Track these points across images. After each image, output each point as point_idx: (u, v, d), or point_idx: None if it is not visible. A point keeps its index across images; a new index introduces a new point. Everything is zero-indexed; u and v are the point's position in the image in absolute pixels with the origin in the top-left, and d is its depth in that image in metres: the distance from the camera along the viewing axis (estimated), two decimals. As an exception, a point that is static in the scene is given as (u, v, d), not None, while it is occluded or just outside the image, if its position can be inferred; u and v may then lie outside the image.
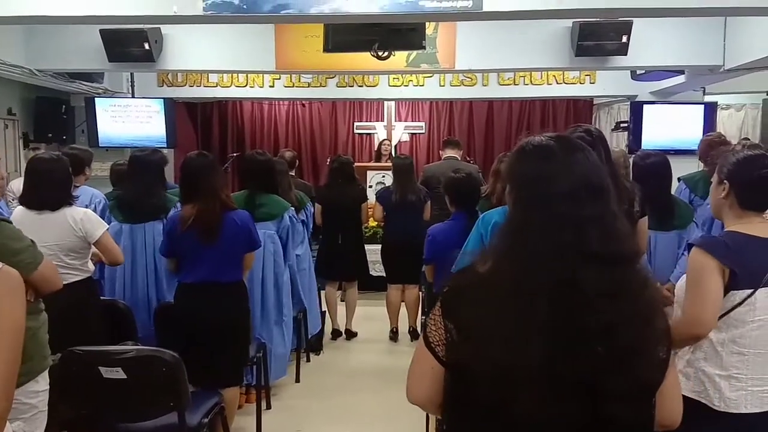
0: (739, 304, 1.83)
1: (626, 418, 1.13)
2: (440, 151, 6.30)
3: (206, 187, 2.92)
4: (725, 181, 1.95)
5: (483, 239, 2.34)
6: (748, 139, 5.47)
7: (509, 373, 1.09)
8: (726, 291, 1.83)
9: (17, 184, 3.74)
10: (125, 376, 2.42)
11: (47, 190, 2.92)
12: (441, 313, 1.21)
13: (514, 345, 1.09)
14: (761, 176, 1.90)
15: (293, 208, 3.99)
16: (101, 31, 5.06)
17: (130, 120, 6.52)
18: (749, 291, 1.82)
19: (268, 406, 3.86)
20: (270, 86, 7.21)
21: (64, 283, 2.68)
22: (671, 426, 1.29)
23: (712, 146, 3.93)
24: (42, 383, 2.21)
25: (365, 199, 5.35)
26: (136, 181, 3.60)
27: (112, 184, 4.35)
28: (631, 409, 1.13)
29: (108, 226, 3.13)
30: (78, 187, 3.59)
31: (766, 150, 2.04)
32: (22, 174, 4.36)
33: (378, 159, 7.94)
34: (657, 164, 3.27)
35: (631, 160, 4.20)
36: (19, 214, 2.98)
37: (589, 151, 1.22)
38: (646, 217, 2.65)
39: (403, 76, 6.96)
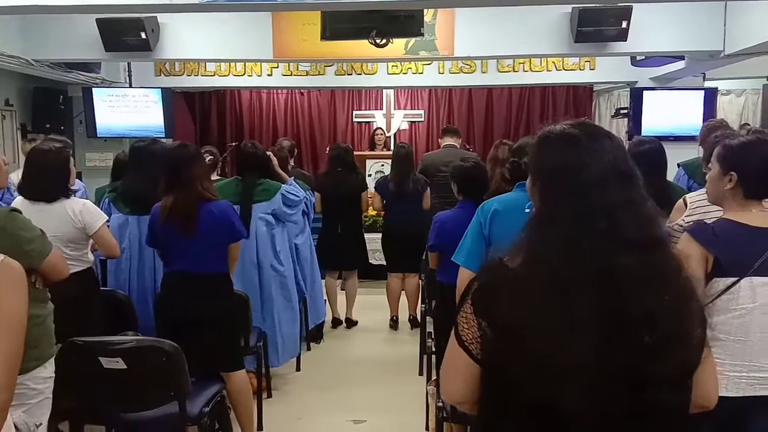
0: (723, 291, 1.84)
1: (670, 403, 1.12)
2: (439, 139, 6.28)
3: (184, 178, 2.89)
4: (732, 172, 1.92)
5: (482, 228, 2.33)
6: (749, 125, 5.46)
7: (554, 369, 1.07)
8: (710, 278, 1.85)
9: (15, 177, 3.73)
10: (125, 366, 2.43)
11: (43, 182, 2.92)
12: (473, 311, 1.17)
13: (558, 340, 1.07)
14: None
15: (288, 186, 3.97)
16: (97, 21, 5.02)
17: (128, 110, 6.50)
18: (733, 279, 1.83)
19: (269, 395, 3.88)
20: (268, 75, 7.16)
21: (64, 274, 2.70)
22: (707, 407, 1.27)
23: (712, 131, 3.92)
24: (50, 369, 2.25)
25: (365, 187, 5.35)
26: (138, 172, 3.55)
27: (114, 176, 4.32)
28: (674, 393, 1.13)
29: (107, 218, 3.12)
30: None
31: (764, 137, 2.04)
32: (21, 165, 4.36)
33: (372, 147, 7.91)
34: (651, 151, 3.25)
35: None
36: (18, 204, 2.97)
37: (613, 136, 1.20)
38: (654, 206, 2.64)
39: (402, 63, 6.92)
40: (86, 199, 3.65)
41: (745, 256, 1.83)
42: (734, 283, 1.83)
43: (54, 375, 2.29)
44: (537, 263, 1.13)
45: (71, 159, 3.05)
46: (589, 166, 1.14)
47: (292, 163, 5.24)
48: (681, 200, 2.58)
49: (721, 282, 1.84)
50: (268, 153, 4.10)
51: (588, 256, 1.10)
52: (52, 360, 2.28)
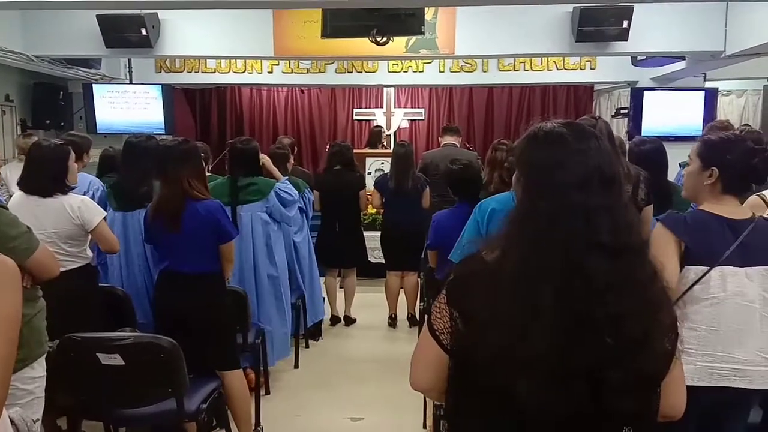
0: (696, 282, 1.89)
1: (628, 409, 1.12)
2: (439, 138, 6.28)
3: (170, 174, 2.87)
4: (714, 167, 1.96)
5: (480, 227, 2.33)
6: (749, 125, 5.45)
7: (513, 360, 1.08)
8: (682, 266, 1.90)
9: (5, 171, 3.72)
10: (123, 363, 2.43)
11: (40, 176, 2.91)
12: (446, 301, 1.20)
13: (516, 331, 1.09)
14: (753, 165, 1.93)
15: (282, 184, 3.95)
16: (98, 17, 5.02)
17: (128, 106, 6.50)
18: (705, 269, 1.88)
19: (267, 392, 3.88)
20: (269, 72, 7.17)
21: (64, 270, 2.68)
22: (674, 417, 1.28)
23: (713, 130, 3.92)
24: (38, 369, 2.22)
25: (364, 185, 5.34)
26: (131, 168, 3.55)
27: (100, 171, 4.32)
28: (633, 400, 1.13)
29: (105, 213, 3.11)
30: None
31: (760, 136, 2.06)
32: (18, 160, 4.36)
33: (374, 146, 7.91)
34: (652, 150, 3.26)
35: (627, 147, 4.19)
36: (17, 199, 2.98)
37: (601, 138, 1.19)
38: (651, 206, 2.64)
39: (403, 62, 6.92)
40: (104, 202, 3.64)
41: (715, 245, 1.89)
42: (705, 273, 1.88)
43: (45, 374, 2.26)
44: (508, 256, 1.14)
45: (72, 155, 3.04)
46: (571, 166, 1.14)
47: (292, 161, 5.23)
48: (757, 197, 2.50)
49: (692, 271, 1.90)
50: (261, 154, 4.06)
51: (558, 254, 1.10)
52: (42, 359, 2.24)
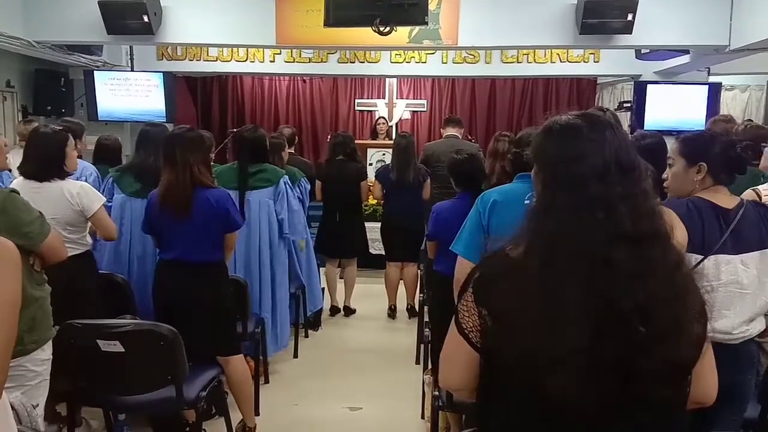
0: (692, 269, 1.89)
1: (660, 396, 1.12)
2: (441, 129, 6.26)
3: (180, 160, 2.84)
4: (701, 162, 2.01)
5: (481, 218, 2.33)
6: (752, 120, 5.44)
7: (545, 358, 1.08)
8: None
9: (8, 157, 3.71)
10: (123, 350, 2.44)
11: (38, 163, 2.91)
12: (474, 299, 1.19)
13: (544, 327, 1.08)
14: (737, 155, 2.00)
15: (287, 176, 3.96)
16: (100, 3, 4.99)
17: (129, 94, 6.47)
18: (699, 257, 1.92)
19: (266, 381, 3.90)
20: (270, 61, 7.15)
21: (62, 257, 2.69)
22: (705, 403, 1.28)
23: (716, 124, 3.91)
24: (48, 351, 2.27)
25: (365, 176, 5.34)
26: (149, 150, 3.49)
27: (96, 159, 4.30)
28: (665, 387, 1.12)
29: (105, 199, 3.10)
30: None
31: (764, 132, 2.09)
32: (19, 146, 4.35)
33: (374, 137, 7.90)
34: (653, 145, 3.25)
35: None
36: (17, 184, 2.97)
37: (617, 128, 1.19)
38: (657, 200, 2.64)
39: (405, 52, 6.89)
40: (98, 185, 3.62)
41: (708, 234, 1.93)
42: (699, 262, 1.91)
43: (51, 357, 2.30)
44: (533, 253, 1.13)
45: (70, 142, 3.03)
46: (589, 157, 1.14)
47: (291, 150, 5.21)
48: (752, 191, 2.58)
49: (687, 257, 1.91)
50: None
51: (582, 247, 1.10)
52: (50, 342, 2.29)
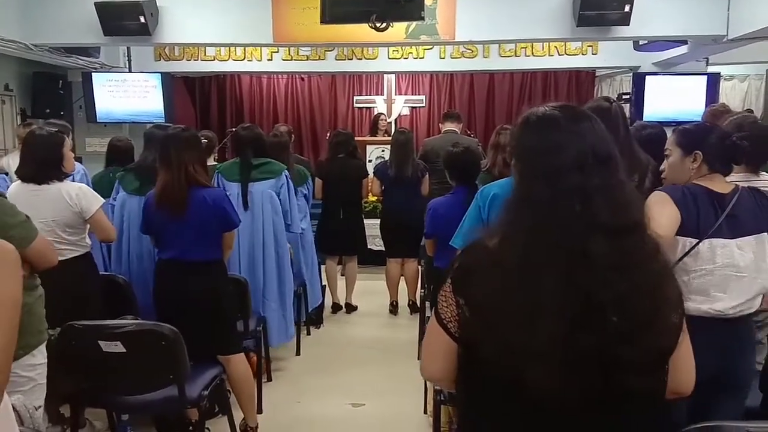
0: (686, 254, 1.96)
1: (639, 387, 1.12)
2: (440, 125, 6.26)
3: (175, 160, 2.85)
4: (697, 151, 2.04)
5: (481, 212, 2.33)
6: (751, 110, 5.43)
7: (523, 349, 1.08)
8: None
9: (7, 161, 3.73)
10: (125, 350, 2.44)
11: (36, 164, 2.91)
12: (452, 290, 1.20)
13: (522, 320, 1.09)
14: (732, 143, 2.03)
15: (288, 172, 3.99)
16: (96, 5, 4.99)
17: (127, 95, 6.48)
18: (694, 241, 1.96)
19: (269, 378, 3.91)
20: (268, 60, 7.14)
21: (64, 258, 2.70)
22: (683, 393, 1.29)
23: (716, 116, 3.89)
24: (39, 357, 2.24)
25: (366, 174, 5.34)
26: (147, 153, 3.50)
27: (108, 162, 4.31)
28: (644, 377, 1.13)
29: (103, 201, 3.11)
30: None
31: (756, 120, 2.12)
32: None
33: (374, 133, 7.90)
34: (653, 135, 3.25)
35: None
36: (15, 188, 2.98)
37: (595, 119, 1.19)
38: (635, 190, 2.65)
39: (403, 48, 6.88)
40: (86, 182, 3.64)
41: (703, 219, 1.96)
42: (694, 246, 1.95)
43: (45, 361, 2.28)
44: (510, 244, 1.14)
45: (67, 143, 3.03)
46: (565, 148, 1.14)
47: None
48: None
49: (682, 242, 1.97)
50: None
51: (559, 239, 1.10)
52: (42, 347, 2.26)
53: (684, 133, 2.12)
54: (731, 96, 7.98)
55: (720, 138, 2.05)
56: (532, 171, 1.17)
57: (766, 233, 2.03)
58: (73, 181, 3.34)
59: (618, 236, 1.10)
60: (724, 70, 7.06)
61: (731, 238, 1.97)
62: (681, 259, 1.96)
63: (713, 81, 6.39)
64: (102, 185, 3.78)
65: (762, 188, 2.16)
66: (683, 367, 1.25)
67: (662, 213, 1.91)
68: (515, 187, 1.22)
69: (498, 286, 1.11)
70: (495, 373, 1.14)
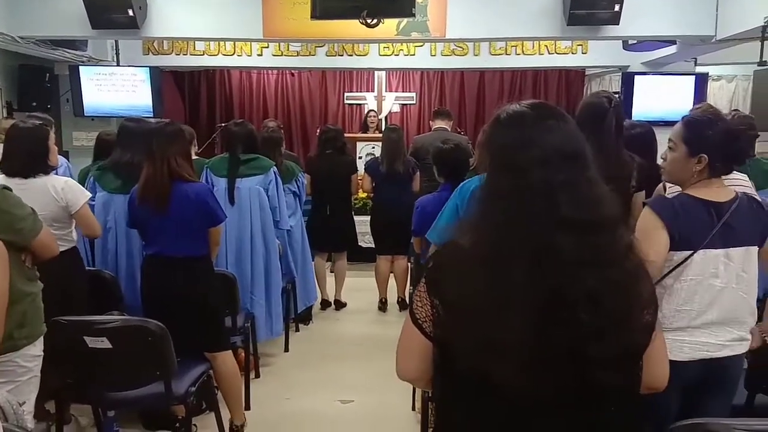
0: (679, 264, 1.93)
1: (612, 383, 1.13)
2: (430, 122, 6.26)
3: (158, 153, 2.83)
4: (703, 154, 1.96)
5: (458, 209, 2.33)
6: (738, 111, 5.45)
7: (494, 346, 1.08)
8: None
9: None
10: (111, 346, 2.43)
11: (20, 158, 2.87)
12: (426, 289, 1.20)
13: (493, 317, 1.09)
14: (739, 147, 2.00)
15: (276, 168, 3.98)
16: (84, -3, 4.94)
17: (115, 89, 6.41)
18: (688, 252, 1.92)
19: (257, 375, 3.90)
20: (258, 55, 7.10)
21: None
22: (658, 388, 1.30)
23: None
24: (39, 347, 2.26)
25: (355, 170, 5.33)
26: (129, 147, 3.45)
27: (96, 155, 4.27)
28: (616, 374, 1.13)
29: (90, 195, 3.08)
30: None
31: (752, 121, 2.09)
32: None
33: (365, 130, 7.88)
34: (642, 135, 3.27)
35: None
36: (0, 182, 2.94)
37: (564, 118, 1.20)
38: (643, 192, 2.65)
39: (394, 45, 6.87)
40: (69, 175, 3.60)
41: (700, 230, 1.92)
42: (688, 257, 1.92)
43: (42, 354, 2.29)
44: (478, 240, 1.15)
45: (51, 136, 3.00)
46: (531, 145, 1.15)
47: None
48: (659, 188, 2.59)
49: (676, 255, 1.93)
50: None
51: (525, 233, 1.11)
52: (41, 338, 2.28)
53: (690, 128, 2.01)
54: (719, 96, 8.04)
55: (727, 141, 1.97)
56: (499, 166, 1.19)
57: (755, 246, 1.98)
58: (57, 174, 3.30)
59: (585, 232, 1.11)
60: (712, 71, 7.11)
61: (722, 248, 1.93)
62: (672, 270, 1.93)
63: (701, 81, 6.43)
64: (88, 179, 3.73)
65: (734, 186, 2.12)
66: (657, 363, 1.26)
67: (650, 243, 1.84)
68: (485, 181, 1.24)
69: (469, 283, 1.12)
70: (469, 372, 1.14)
